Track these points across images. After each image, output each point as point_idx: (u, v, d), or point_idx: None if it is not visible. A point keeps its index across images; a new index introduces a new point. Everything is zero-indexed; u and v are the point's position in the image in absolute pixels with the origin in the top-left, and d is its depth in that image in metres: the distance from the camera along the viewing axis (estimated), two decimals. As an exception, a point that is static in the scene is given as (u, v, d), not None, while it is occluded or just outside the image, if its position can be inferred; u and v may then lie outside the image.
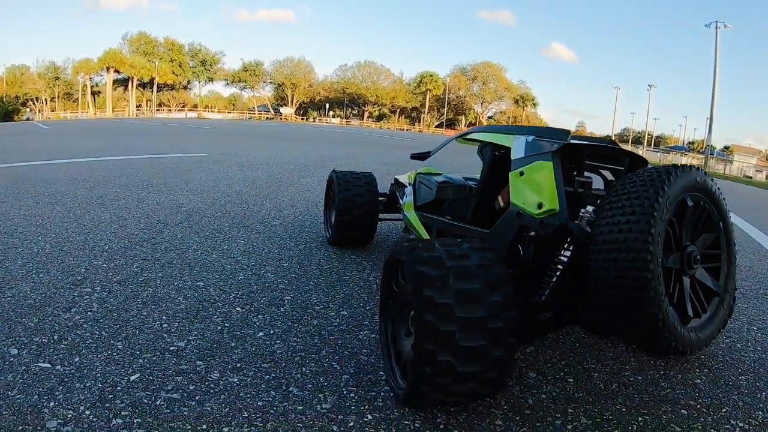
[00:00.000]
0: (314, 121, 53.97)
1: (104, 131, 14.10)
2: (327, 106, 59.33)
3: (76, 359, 1.40)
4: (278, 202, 4.14)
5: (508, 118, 58.79)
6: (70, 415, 1.15)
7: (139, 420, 1.15)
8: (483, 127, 2.00)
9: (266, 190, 4.72)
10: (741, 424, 1.36)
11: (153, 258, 2.38)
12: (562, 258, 1.38)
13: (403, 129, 53.95)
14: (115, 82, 49.98)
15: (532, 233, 1.45)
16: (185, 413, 1.19)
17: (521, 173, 1.48)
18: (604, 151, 1.58)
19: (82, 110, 47.75)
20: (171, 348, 1.51)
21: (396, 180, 2.86)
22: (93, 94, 51.07)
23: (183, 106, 55.77)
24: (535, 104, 61.52)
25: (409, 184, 2.51)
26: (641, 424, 1.34)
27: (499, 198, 1.78)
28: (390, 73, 60.62)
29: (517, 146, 1.55)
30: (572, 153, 1.51)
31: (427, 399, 1.16)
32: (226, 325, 1.71)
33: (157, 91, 53.10)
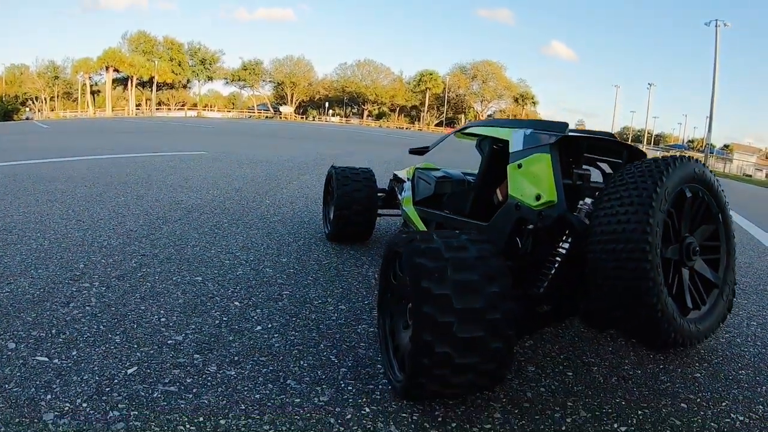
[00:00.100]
0: (314, 120, 53.95)
1: (103, 130, 14.10)
2: (327, 104, 59.30)
3: (74, 353, 1.40)
4: (277, 199, 4.13)
5: (508, 116, 58.74)
6: (66, 408, 1.15)
7: (136, 412, 1.15)
8: (481, 122, 2.00)
9: (265, 188, 4.71)
10: (741, 418, 1.35)
11: (152, 254, 2.38)
12: (560, 250, 1.37)
13: (403, 128, 53.92)
14: (114, 81, 49.95)
15: (531, 226, 1.44)
16: (182, 406, 1.19)
17: (519, 166, 1.48)
18: (603, 144, 1.57)
19: (82, 109, 47.73)
20: (169, 342, 1.51)
21: (395, 175, 2.86)
22: (92, 93, 51.04)
23: (182, 105, 55.73)
24: (534, 103, 61.49)
25: (408, 179, 2.51)
26: (641, 417, 1.33)
27: (498, 192, 1.78)
28: (389, 71, 60.59)
29: (515, 139, 1.55)
30: (570, 146, 1.51)
31: (425, 391, 1.15)
32: (224, 319, 1.70)
33: (157, 90, 53.08)
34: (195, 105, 57.33)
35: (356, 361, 1.49)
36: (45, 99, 50.22)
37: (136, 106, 51.39)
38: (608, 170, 1.75)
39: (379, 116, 59.73)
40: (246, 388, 1.28)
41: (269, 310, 1.81)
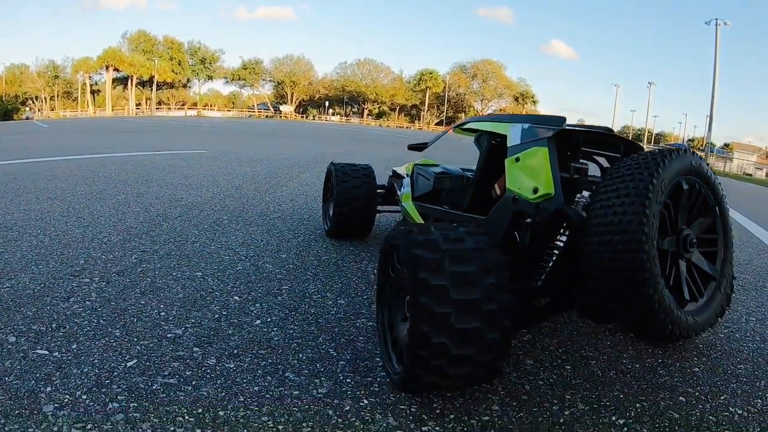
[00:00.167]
0: (314, 119, 53.94)
1: (103, 130, 14.11)
2: (327, 104, 59.28)
3: (74, 346, 1.41)
4: (277, 197, 4.14)
5: (508, 115, 58.51)
6: (66, 400, 1.15)
7: (135, 404, 1.15)
8: (480, 117, 2.01)
9: (265, 185, 4.72)
10: (740, 411, 1.36)
11: (152, 250, 2.39)
12: (558, 243, 1.38)
13: (403, 127, 53.90)
14: (114, 80, 49.94)
15: (529, 219, 1.45)
16: (181, 397, 1.19)
17: (517, 159, 1.48)
18: (600, 138, 1.58)
19: (82, 109, 47.73)
20: (168, 335, 1.51)
21: (394, 172, 2.87)
22: (92, 92, 51.04)
23: (182, 105, 55.72)
24: (534, 102, 61.44)
25: (407, 175, 2.51)
26: (639, 410, 1.34)
27: (496, 186, 1.78)
28: (390, 70, 60.56)
29: (513, 134, 1.56)
30: (568, 140, 1.51)
31: (422, 382, 1.16)
32: (224, 313, 1.71)
33: (157, 90, 53.07)
34: (195, 104, 57.31)
35: (355, 354, 1.50)
36: (45, 98, 50.22)
37: (136, 105, 51.39)
38: (606, 164, 1.75)
39: (380, 115, 59.69)
40: (245, 381, 1.29)
41: (268, 305, 1.81)
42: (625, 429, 1.24)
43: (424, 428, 1.16)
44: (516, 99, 59.83)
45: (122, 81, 51.45)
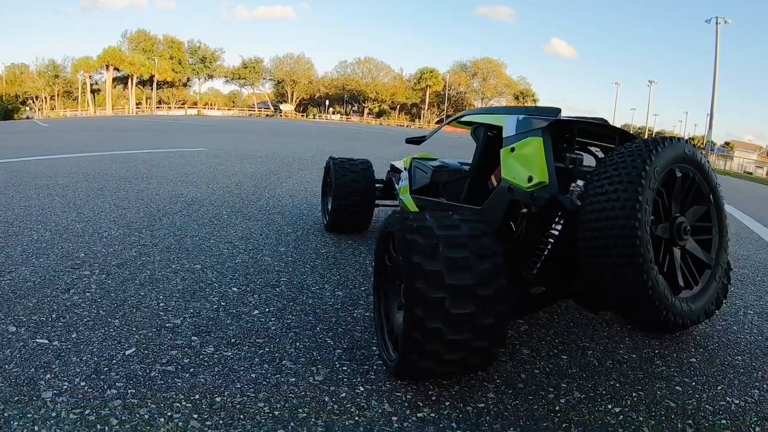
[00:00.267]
0: (314, 118, 53.90)
1: (104, 129, 14.12)
2: (327, 102, 59.25)
3: (73, 335, 1.42)
4: (277, 193, 4.15)
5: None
6: (65, 386, 1.16)
7: (133, 390, 1.17)
8: (476, 110, 2.02)
9: (265, 182, 4.73)
10: (737, 401, 1.36)
11: (151, 243, 2.40)
12: (553, 232, 1.39)
13: (403, 125, 53.87)
14: (114, 79, 49.95)
15: (524, 210, 1.46)
16: (179, 384, 1.21)
17: (512, 149, 1.50)
18: (595, 129, 1.58)
19: (82, 108, 47.75)
20: (167, 325, 1.53)
21: (392, 166, 2.88)
22: (93, 92, 51.05)
23: (183, 104, 55.71)
24: (535, 100, 61.35)
25: (405, 169, 2.52)
26: (635, 399, 1.35)
27: (492, 178, 1.79)
28: (390, 69, 60.49)
29: (508, 125, 1.57)
30: (563, 130, 1.52)
31: (418, 368, 1.17)
32: (222, 304, 1.72)
33: (157, 89, 53.07)
34: (195, 103, 57.30)
35: (352, 343, 1.51)
36: (45, 98, 50.24)
37: (137, 104, 51.40)
38: (602, 155, 1.76)
39: (380, 114, 59.63)
40: (242, 368, 1.30)
41: (267, 296, 1.82)
42: (621, 417, 1.25)
43: (419, 414, 1.17)
44: (516, 97, 59.76)
45: (122, 80, 51.46)
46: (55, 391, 1.14)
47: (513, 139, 1.51)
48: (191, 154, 6.89)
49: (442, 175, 2.19)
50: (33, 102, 49.97)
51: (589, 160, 1.77)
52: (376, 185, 2.85)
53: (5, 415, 1.05)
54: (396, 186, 2.68)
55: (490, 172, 1.82)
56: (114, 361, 1.29)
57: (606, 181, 1.16)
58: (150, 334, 1.46)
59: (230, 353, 1.38)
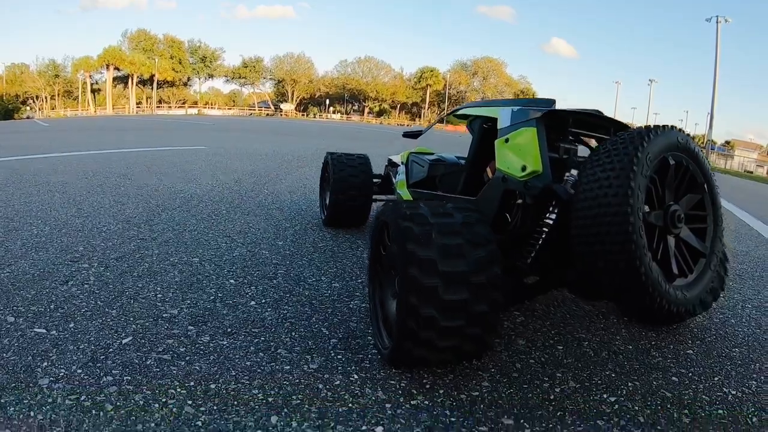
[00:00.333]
0: (315, 117, 53.90)
1: (104, 128, 14.13)
2: (327, 101, 59.23)
3: (71, 325, 1.43)
4: (276, 189, 4.16)
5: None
6: (62, 374, 1.17)
7: (129, 377, 1.18)
8: (472, 102, 2.02)
9: (264, 179, 4.74)
10: (734, 392, 1.37)
11: (150, 237, 2.41)
12: (547, 221, 1.39)
13: (404, 124, 53.85)
14: (115, 79, 49.96)
15: (519, 201, 1.46)
16: (174, 371, 1.21)
17: (506, 140, 1.50)
18: (590, 120, 1.59)
19: (83, 108, 47.78)
20: (164, 315, 1.53)
21: (390, 160, 2.89)
22: (93, 91, 51.07)
23: (183, 103, 55.73)
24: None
25: (402, 163, 2.53)
26: (631, 389, 1.35)
27: (488, 170, 1.80)
28: (390, 68, 60.45)
29: (503, 116, 1.57)
30: (558, 121, 1.53)
31: (412, 356, 1.17)
32: (219, 295, 1.73)
33: (157, 88, 53.08)
34: (196, 103, 57.32)
35: (347, 333, 1.51)
36: (46, 98, 50.28)
37: (137, 104, 51.42)
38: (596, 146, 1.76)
39: (380, 113, 59.60)
40: (237, 357, 1.31)
41: (264, 287, 1.83)
42: (616, 406, 1.26)
43: (413, 402, 1.18)
44: (517, 96, 59.72)
45: (123, 80, 51.47)
46: (51, 378, 1.15)
47: (507, 130, 1.52)
48: (191, 152, 6.90)
49: (438, 169, 2.20)
50: (33, 102, 50.00)
51: (584, 153, 1.78)
52: (374, 180, 2.86)
53: (2, 401, 1.06)
54: (393, 179, 2.68)
55: (486, 165, 1.83)
56: (111, 349, 1.30)
57: (599, 169, 1.16)
58: (147, 323, 1.47)
59: (226, 342, 1.38)
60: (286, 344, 1.40)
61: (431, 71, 59.61)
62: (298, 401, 1.14)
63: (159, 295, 1.69)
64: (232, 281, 1.88)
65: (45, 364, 1.21)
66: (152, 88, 52.86)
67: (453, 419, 1.13)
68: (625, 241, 1.08)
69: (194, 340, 1.39)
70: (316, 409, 1.11)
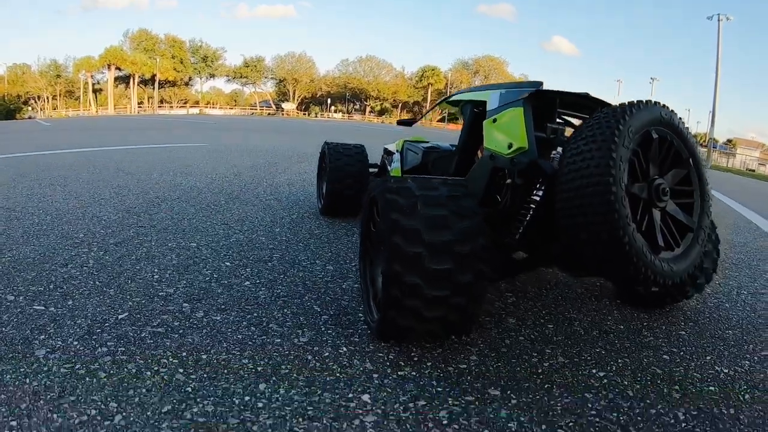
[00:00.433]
0: (316, 116, 53.96)
1: (105, 128, 14.20)
2: (329, 101, 59.26)
3: (69, 302, 1.46)
4: (275, 182, 4.19)
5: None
6: (58, 345, 1.20)
7: (123, 349, 1.21)
8: (464, 89, 2.06)
9: (264, 173, 4.77)
10: (726, 370, 1.38)
11: (149, 225, 2.44)
12: (534, 198, 1.41)
13: (406, 124, 53.73)
14: (116, 79, 50.09)
15: (508, 180, 1.49)
16: (167, 344, 1.24)
17: (494, 120, 1.53)
18: (579, 101, 1.61)
19: (84, 108, 47.94)
20: (160, 293, 1.56)
21: (385, 149, 2.91)
22: (94, 91, 51.21)
23: (185, 103, 55.86)
24: (537, 98, 61.10)
25: (397, 151, 2.55)
26: (620, 365, 1.37)
27: (479, 153, 1.82)
28: (391, 67, 60.41)
29: (492, 99, 1.60)
30: (545, 101, 1.55)
31: (398, 327, 1.20)
32: (215, 276, 1.76)
33: (159, 88, 53.20)
34: (197, 102, 57.44)
35: (339, 310, 1.54)
36: (47, 98, 50.46)
37: (139, 104, 51.55)
38: None
39: (382, 112, 59.60)
40: (229, 330, 1.34)
41: (258, 269, 1.86)
42: (605, 381, 1.28)
43: (400, 372, 1.21)
44: (518, 95, 59.52)
45: (124, 80, 51.59)
46: (48, 349, 1.18)
47: (495, 111, 1.54)
48: (192, 149, 6.93)
49: (432, 156, 2.23)
50: (35, 102, 50.18)
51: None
52: (371, 170, 2.88)
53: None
54: (388, 167, 2.71)
55: (477, 149, 1.85)
56: (107, 324, 1.33)
57: (581, 142, 1.18)
58: (143, 301, 1.50)
59: (219, 318, 1.41)
60: (278, 320, 1.43)
61: (432, 70, 59.55)
62: (287, 370, 1.16)
63: (156, 276, 1.72)
64: (227, 263, 1.91)
65: (42, 337, 1.24)
66: (154, 88, 52.97)
67: (439, 389, 1.16)
68: (607, 211, 1.10)
69: (188, 315, 1.41)
70: (304, 378, 1.14)
